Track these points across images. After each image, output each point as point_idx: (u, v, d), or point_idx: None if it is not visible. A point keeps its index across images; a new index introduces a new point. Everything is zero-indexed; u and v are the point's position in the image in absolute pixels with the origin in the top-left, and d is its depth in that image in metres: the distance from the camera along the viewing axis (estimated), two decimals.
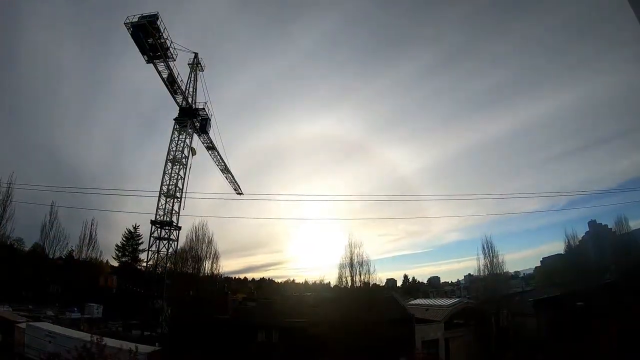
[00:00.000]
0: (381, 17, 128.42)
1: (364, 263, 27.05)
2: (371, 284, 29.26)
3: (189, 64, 34.19)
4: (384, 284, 50.36)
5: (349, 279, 26.99)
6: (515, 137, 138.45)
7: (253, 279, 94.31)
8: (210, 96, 34.88)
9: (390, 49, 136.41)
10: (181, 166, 32.39)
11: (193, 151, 33.59)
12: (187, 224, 32.49)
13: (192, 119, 33.56)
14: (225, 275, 45.97)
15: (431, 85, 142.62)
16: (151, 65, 29.90)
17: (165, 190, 31.52)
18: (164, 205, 31.24)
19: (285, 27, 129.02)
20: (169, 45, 29.23)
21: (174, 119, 33.12)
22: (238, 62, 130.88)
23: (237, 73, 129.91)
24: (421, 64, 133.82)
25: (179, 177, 32.17)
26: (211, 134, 35.29)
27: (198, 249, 29.15)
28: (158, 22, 28.11)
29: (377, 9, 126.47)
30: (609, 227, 37.52)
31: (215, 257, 29.45)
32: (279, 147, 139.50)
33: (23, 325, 21.11)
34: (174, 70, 30.83)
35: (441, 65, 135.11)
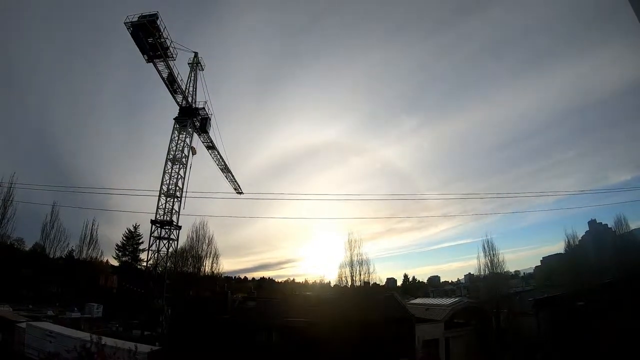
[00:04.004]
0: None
1: (363, 262, 27.10)
2: (371, 283, 29.27)
3: (188, 64, 34.22)
4: (384, 283, 50.55)
5: (348, 278, 27.05)
6: (517, 137, 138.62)
7: (253, 278, 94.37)
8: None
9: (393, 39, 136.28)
10: (181, 165, 32.39)
11: (193, 150, 33.61)
12: (187, 223, 32.54)
13: (192, 119, 33.55)
14: (226, 275, 46.07)
15: (431, 83, 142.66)
16: (151, 64, 29.92)
17: (165, 190, 31.50)
18: (164, 205, 31.24)
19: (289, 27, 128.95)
20: (168, 44, 29.23)
21: (174, 119, 33.12)
22: (242, 61, 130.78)
23: (243, 72, 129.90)
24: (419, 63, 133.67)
25: (179, 176, 32.18)
26: (211, 133, 35.35)
27: (198, 249, 29.21)
28: (158, 22, 28.11)
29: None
30: (609, 227, 37.50)
31: (215, 257, 29.54)
32: (285, 148, 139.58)
33: (23, 325, 21.09)
34: (174, 70, 30.86)
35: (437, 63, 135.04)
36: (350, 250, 27.27)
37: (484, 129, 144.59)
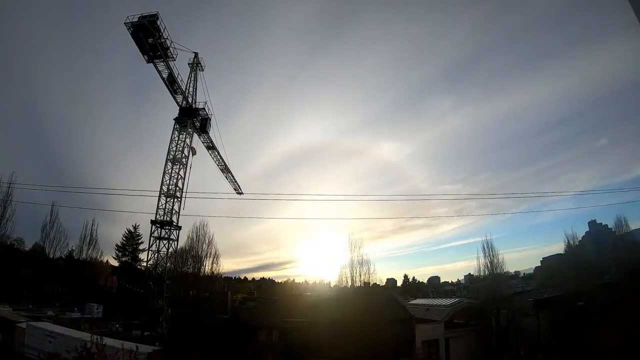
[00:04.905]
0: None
1: (364, 263, 27.15)
2: (371, 283, 29.31)
3: (189, 64, 34.19)
4: (384, 283, 50.54)
5: (349, 278, 27.08)
6: (516, 138, 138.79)
7: (253, 278, 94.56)
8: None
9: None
10: (181, 166, 32.36)
11: (193, 151, 33.58)
12: (188, 224, 32.47)
13: (192, 119, 33.54)
14: (226, 275, 46.02)
15: (432, 84, 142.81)
16: (151, 64, 29.92)
17: (165, 190, 31.48)
18: (164, 205, 31.21)
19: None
20: (169, 45, 29.22)
21: (174, 119, 33.07)
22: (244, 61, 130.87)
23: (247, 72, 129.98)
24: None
25: (179, 176, 32.17)
26: (211, 133, 35.34)
27: (198, 249, 29.14)
28: (158, 22, 28.09)
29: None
30: (609, 227, 37.56)
31: (216, 257, 29.44)
32: (286, 148, 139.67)
33: (23, 325, 21.14)
34: (174, 70, 30.85)
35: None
36: (351, 250, 27.35)
37: (488, 128, 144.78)
